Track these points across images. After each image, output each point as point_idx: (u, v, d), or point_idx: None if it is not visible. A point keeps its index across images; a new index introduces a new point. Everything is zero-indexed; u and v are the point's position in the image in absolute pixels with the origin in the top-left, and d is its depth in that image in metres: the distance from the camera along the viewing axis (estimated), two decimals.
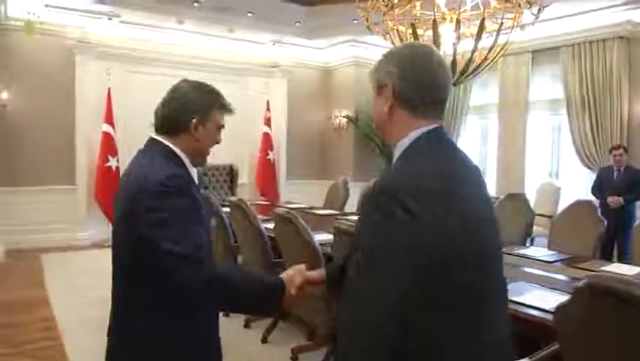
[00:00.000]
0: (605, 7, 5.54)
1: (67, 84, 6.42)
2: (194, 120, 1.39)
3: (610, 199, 5.07)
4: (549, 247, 3.75)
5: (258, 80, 8.16)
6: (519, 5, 3.19)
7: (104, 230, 5.96)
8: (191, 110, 1.39)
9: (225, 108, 1.48)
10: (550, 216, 5.66)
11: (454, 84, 3.55)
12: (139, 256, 1.30)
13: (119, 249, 1.39)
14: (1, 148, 5.83)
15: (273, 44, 7.71)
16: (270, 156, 7.95)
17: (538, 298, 2.25)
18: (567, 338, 1.63)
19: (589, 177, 6.12)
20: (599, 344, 1.53)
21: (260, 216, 3.69)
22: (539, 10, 3.20)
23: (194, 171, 1.45)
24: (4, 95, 5.99)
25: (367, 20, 3.59)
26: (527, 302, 2.19)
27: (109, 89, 6.54)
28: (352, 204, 5.80)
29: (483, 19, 3.13)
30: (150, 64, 6.83)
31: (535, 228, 4.26)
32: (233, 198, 3.89)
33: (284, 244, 3.13)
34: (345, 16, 6.34)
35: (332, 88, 8.84)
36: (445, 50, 3.38)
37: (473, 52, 3.27)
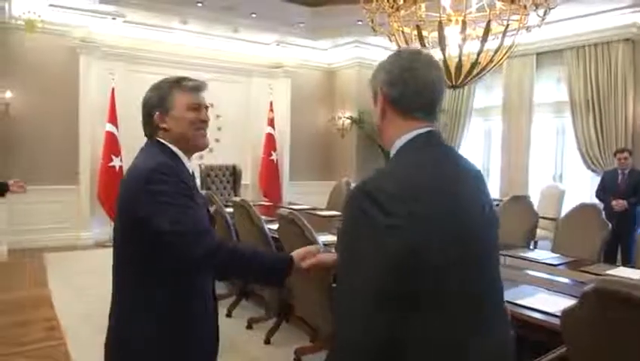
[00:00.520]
0: (610, 10, 5.52)
1: (71, 84, 6.44)
2: (155, 115, 1.43)
3: (614, 202, 5.04)
4: (553, 250, 3.73)
5: (261, 80, 8.17)
6: (525, 7, 3.17)
7: (107, 230, 5.97)
8: (151, 108, 1.44)
9: (185, 87, 1.44)
10: (554, 219, 5.64)
11: (459, 86, 3.54)
12: (137, 244, 1.33)
13: (119, 247, 1.41)
14: (4, 147, 5.84)
15: (277, 45, 7.71)
16: (273, 156, 7.94)
17: (543, 302, 2.24)
18: (574, 341, 1.62)
19: (593, 180, 6.09)
20: (607, 347, 1.52)
21: (263, 217, 3.68)
22: (545, 12, 3.19)
23: (190, 165, 1.47)
24: (8, 94, 6.00)
25: (372, 21, 3.58)
26: (532, 305, 2.17)
27: (112, 89, 6.56)
28: None
29: (489, 21, 3.11)
30: (154, 64, 6.83)
31: (538, 231, 4.24)
32: (236, 199, 3.88)
33: (287, 245, 3.12)
34: (349, 17, 6.34)
35: (335, 89, 8.83)
36: (450, 52, 3.37)
37: (479, 53, 3.26)
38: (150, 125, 1.45)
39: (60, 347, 3.36)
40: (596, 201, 5.13)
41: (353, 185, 5.83)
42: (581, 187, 6.42)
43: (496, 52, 3.36)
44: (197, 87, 1.45)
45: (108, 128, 6.47)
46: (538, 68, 6.83)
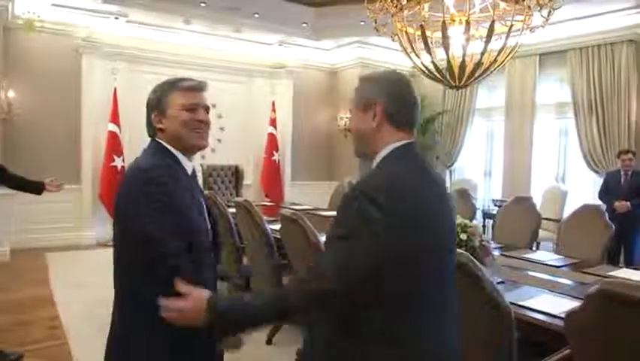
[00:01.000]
0: (614, 11, 5.50)
1: (74, 83, 6.45)
2: (153, 116, 1.45)
3: (617, 204, 5.03)
4: (556, 251, 3.72)
5: (263, 80, 8.17)
6: (529, 7, 3.16)
7: (109, 229, 5.92)
8: (150, 109, 1.47)
9: (181, 88, 1.44)
10: (556, 220, 5.62)
11: (462, 86, 3.53)
12: (129, 248, 1.35)
13: (118, 246, 1.42)
14: (7, 147, 5.84)
15: (280, 45, 7.70)
16: (275, 157, 7.94)
17: (546, 303, 2.23)
18: (578, 343, 1.61)
19: (595, 181, 6.08)
20: (611, 349, 1.51)
21: (265, 218, 3.68)
22: (549, 12, 3.18)
23: (188, 165, 1.47)
24: (11, 93, 6.01)
25: (375, 22, 3.58)
26: (535, 307, 2.17)
27: (115, 89, 6.56)
28: None
29: (493, 21, 3.10)
30: (156, 64, 6.84)
31: (540, 232, 4.23)
32: (238, 199, 3.87)
33: (290, 246, 3.12)
34: (352, 18, 6.33)
35: (338, 89, 8.83)
36: (454, 52, 3.36)
37: (482, 54, 3.25)
38: (150, 126, 1.47)
39: (62, 346, 3.36)
40: (599, 202, 5.12)
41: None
42: (584, 188, 6.41)
43: (499, 52, 3.35)
44: (193, 87, 1.45)
45: (110, 128, 6.48)
46: (541, 69, 6.82)
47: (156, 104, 1.45)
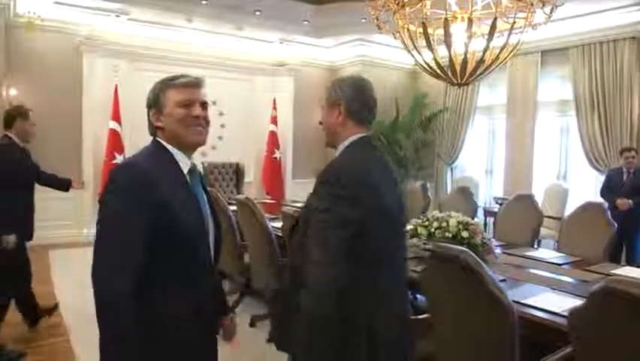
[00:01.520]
0: (616, 8, 5.48)
1: (75, 81, 6.45)
2: (151, 115, 1.45)
3: (619, 201, 5.01)
4: (557, 249, 3.72)
5: (265, 78, 8.16)
6: (531, 4, 3.15)
7: None
8: (149, 108, 1.46)
9: (175, 85, 1.43)
10: (557, 218, 5.62)
11: (464, 84, 3.52)
12: None
13: None
14: None
15: (281, 43, 7.69)
16: (277, 154, 7.94)
17: (549, 301, 2.23)
18: (581, 341, 1.61)
19: (597, 179, 6.07)
20: (614, 347, 1.51)
21: (266, 215, 3.68)
22: (552, 9, 3.16)
23: (186, 162, 1.45)
24: (13, 92, 6.01)
25: (377, 19, 3.56)
26: (537, 305, 2.17)
27: (116, 87, 6.56)
28: None
29: (495, 19, 3.09)
30: (158, 61, 6.83)
31: (542, 229, 4.23)
32: (240, 197, 3.88)
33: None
34: (353, 15, 6.32)
35: None
36: (456, 50, 3.35)
37: (485, 51, 3.24)
38: (150, 126, 1.47)
39: (64, 343, 3.37)
40: (601, 200, 5.11)
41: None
42: (585, 186, 6.39)
43: (501, 50, 3.34)
44: (188, 84, 1.43)
45: (112, 126, 6.47)
46: (543, 66, 6.80)
47: (153, 103, 1.44)
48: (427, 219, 3.15)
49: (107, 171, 6.30)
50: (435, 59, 3.47)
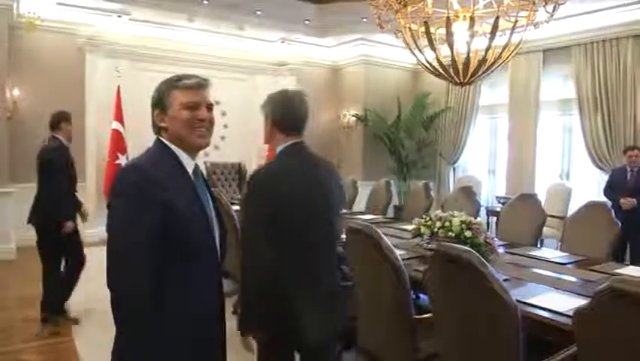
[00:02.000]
0: (619, 6, 5.46)
1: (78, 82, 6.46)
2: (155, 115, 1.44)
3: (623, 200, 5.00)
4: (561, 249, 3.71)
5: (266, 78, 8.16)
6: (534, 3, 3.14)
7: None
8: (153, 108, 1.45)
9: (181, 86, 1.42)
10: (560, 217, 5.60)
11: (467, 83, 3.51)
12: None
13: None
14: (11, 145, 5.86)
15: (282, 42, 7.69)
16: None
17: (552, 301, 2.22)
18: (586, 341, 1.60)
19: (600, 178, 6.05)
20: (619, 347, 1.50)
21: None
22: (554, 8, 3.15)
23: (190, 163, 1.45)
24: (16, 92, 6.02)
25: (379, 18, 3.56)
26: (541, 304, 2.16)
27: (118, 87, 6.58)
28: (362, 204, 5.77)
29: (497, 17, 3.08)
30: (160, 62, 6.84)
31: (545, 229, 4.21)
32: (242, 196, 3.87)
33: None
34: (355, 14, 6.32)
35: (341, 86, 8.81)
36: (458, 49, 3.34)
37: (487, 50, 3.23)
38: (154, 126, 1.46)
39: (67, 343, 3.38)
40: (604, 199, 5.09)
41: (360, 183, 5.87)
42: (589, 185, 6.38)
43: (503, 49, 3.33)
44: (194, 85, 1.42)
45: (114, 126, 6.49)
46: (545, 65, 6.78)
47: (158, 103, 1.43)
48: (430, 219, 3.14)
49: (110, 171, 6.33)
50: (437, 58, 3.47)
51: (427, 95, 8.13)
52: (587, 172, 6.47)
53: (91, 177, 6.55)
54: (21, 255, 5.67)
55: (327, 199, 1.89)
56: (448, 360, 2.19)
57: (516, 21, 3.16)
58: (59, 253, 3.76)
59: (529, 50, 6.35)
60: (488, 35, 3.22)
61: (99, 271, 4.20)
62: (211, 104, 1.46)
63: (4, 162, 5.65)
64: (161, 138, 1.44)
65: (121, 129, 6.49)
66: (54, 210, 3.66)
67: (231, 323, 1.66)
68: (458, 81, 3.47)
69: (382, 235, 2.37)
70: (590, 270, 2.85)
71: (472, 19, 3.18)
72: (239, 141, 7.79)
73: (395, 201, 6.28)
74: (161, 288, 1.31)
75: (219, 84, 7.44)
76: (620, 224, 3.42)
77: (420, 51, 3.56)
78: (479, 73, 3.40)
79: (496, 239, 3.36)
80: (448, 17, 3.17)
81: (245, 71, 7.94)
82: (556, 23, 4.29)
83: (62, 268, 3.84)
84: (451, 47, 3.29)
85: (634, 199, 4.96)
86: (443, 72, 3.52)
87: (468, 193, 4.78)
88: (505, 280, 2.49)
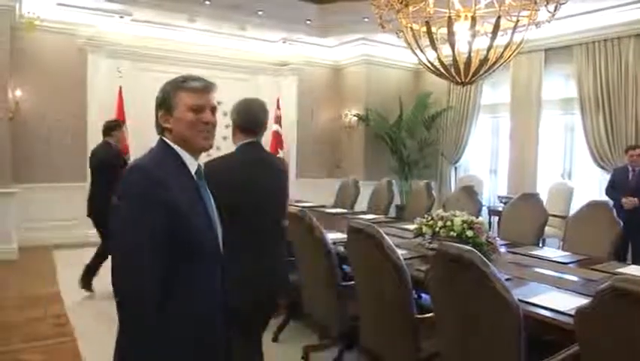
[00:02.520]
0: (620, 5, 5.45)
1: (79, 82, 6.47)
2: (160, 115, 1.44)
3: (624, 200, 4.99)
4: (562, 248, 3.71)
5: (268, 78, 8.16)
6: (535, 2, 3.14)
7: None
8: (157, 108, 1.45)
9: (188, 88, 1.41)
10: (562, 217, 5.59)
11: (468, 83, 3.51)
12: None
13: None
14: (13, 146, 5.87)
15: (284, 42, 7.69)
16: (281, 154, 7.94)
17: (554, 300, 2.22)
18: (587, 340, 1.61)
19: (602, 178, 6.04)
20: (621, 346, 1.50)
21: None
22: (556, 7, 3.15)
23: (193, 164, 1.45)
24: (18, 93, 6.04)
25: (380, 18, 3.56)
26: (543, 304, 2.16)
27: (120, 87, 6.59)
28: (363, 204, 5.78)
29: (499, 17, 3.08)
30: (161, 62, 6.85)
31: (546, 228, 4.21)
32: None
33: (297, 243, 3.12)
34: (356, 14, 6.32)
35: (342, 86, 8.81)
36: (460, 48, 3.34)
37: (488, 50, 3.23)
38: (157, 126, 1.46)
39: (70, 343, 3.38)
40: (606, 198, 5.08)
41: (361, 182, 5.87)
42: (590, 185, 6.37)
43: (505, 48, 3.33)
44: (201, 88, 1.42)
45: None
46: (547, 65, 6.77)
47: (163, 103, 1.43)
48: (432, 219, 3.14)
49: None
50: (438, 58, 3.47)
51: (429, 94, 8.13)
52: (588, 171, 6.46)
53: None
54: (22, 255, 5.68)
55: (268, 188, 2.23)
56: (449, 359, 2.19)
57: (517, 20, 3.16)
58: None
59: (530, 49, 6.34)
60: (490, 35, 3.22)
61: (103, 272, 4.23)
62: (214, 107, 1.47)
63: (7, 162, 5.66)
64: (165, 139, 1.44)
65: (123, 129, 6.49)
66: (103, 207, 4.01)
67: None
68: (460, 81, 3.47)
69: (384, 235, 2.37)
70: (592, 269, 2.85)
71: (473, 18, 3.18)
72: None
73: (397, 200, 6.28)
74: (165, 288, 1.31)
75: (221, 84, 7.35)
76: (621, 223, 3.42)
77: (421, 51, 3.56)
78: (481, 72, 3.40)
79: (497, 239, 3.36)
80: (449, 17, 3.17)
81: (246, 72, 7.94)
82: (557, 23, 4.28)
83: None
84: (452, 46, 3.29)
85: (636, 199, 4.96)
86: (445, 72, 3.52)
87: (470, 193, 4.78)
88: (507, 279, 2.48)
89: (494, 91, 7.68)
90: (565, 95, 6.75)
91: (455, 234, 2.90)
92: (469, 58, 3.31)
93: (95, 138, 6.54)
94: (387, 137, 8.04)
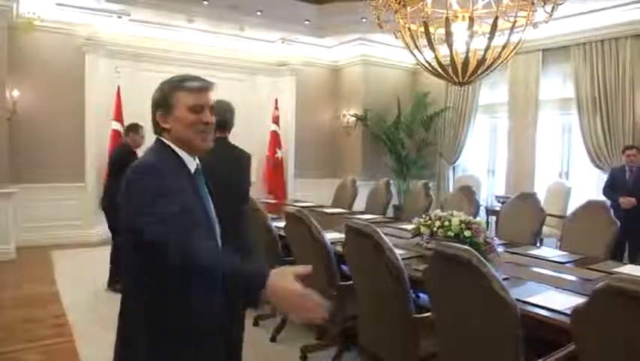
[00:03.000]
0: (618, 5, 5.47)
1: (77, 82, 6.47)
2: (158, 115, 1.43)
3: (622, 200, 5.01)
4: (560, 248, 3.72)
5: (266, 78, 8.17)
6: (532, 3, 3.15)
7: None
8: (155, 108, 1.44)
9: (187, 88, 1.41)
10: (560, 216, 5.61)
11: (466, 83, 3.52)
12: (134, 247, 1.33)
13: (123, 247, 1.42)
14: (11, 146, 5.86)
15: (282, 43, 7.70)
16: (279, 154, 7.96)
17: (551, 299, 2.23)
18: (584, 339, 1.61)
19: (599, 178, 6.06)
20: (617, 346, 1.51)
21: (269, 215, 3.69)
22: (553, 8, 3.16)
23: (192, 164, 1.45)
24: (15, 93, 6.03)
25: (378, 18, 3.57)
26: (540, 303, 2.17)
27: (118, 87, 6.59)
28: (361, 204, 5.79)
29: (496, 17, 3.09)
30: (159, 62, 6.85)
31: (544, 228, 4.22)
32: None
33: (295, 243, 3.13)
34: (354, 15, 6.33)
35: (340, 86, 8.82)
36: (457, 49, 3.35)
37: (486, 50, 3.24)
38: (155, 126, 1.45)
39: (68, 343, 3.38)
40: (603, 198, 5.10)
41: (359, 182, 5.88)
42: (588, 185, 6.39)
43: (502, 48, 3.34)
44: (201, 88, 1.42)
45: (114, 126, 6.50)
46: (544, 65, 6.79)
47: (161, 103, 1.42)
48: (430, 219, 3.15)
49: None
50: (436, 58, 3.48)
51: (427, 94, 8.14)
52: (586, 171, 6.48)
53: (90, 177, 6.55)
54: (21, 255, 5.68)
55: (232, 178, 2.50)
56: (447, 359, 2.20)
57: (515, 21, 3.17)
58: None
59: (528, 49, 6.36)
60: (487, 35, 3.23)
61: (101, 273, 4.26)
62: (212, 106, 1.47)
63: (4, 162, 5.65)
64: (162, 139, 1.44)
65: (121, 130, 6.48)
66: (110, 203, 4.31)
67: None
68: (457, 81, 3.48)
69: (382, 235, 2.38)
70: (589, 269, 2.86)
71: (471, 19, 3.19)
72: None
73: (395, 200, 6.29)
74: (164, 288, 1.32)
75: (219, 84, 7.36)
76: (618, 223, 3.43)
77: (419, 51, 3.57)
78: (478, 73, 3.41)
79: (495, 238, 3.37)
80: (447, 17, 3.18)
81: (245, 72, 7.94)
82: (555, 23, 4.29)
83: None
84: (450, 46, 3.30)
85: (633, 198, 4.97)
86: (442, 72, 3.53)
87: (467, 193, 4.79)
88: (504, 279, 2.49)
89: (492, 91, 7.70)
90: (562, 96, 6.77)
91: (453, 234, 2.91)
92: (466, 58, 3.32)
93: (93, 138, 6.58)
94: (385, 137, 8.05)
